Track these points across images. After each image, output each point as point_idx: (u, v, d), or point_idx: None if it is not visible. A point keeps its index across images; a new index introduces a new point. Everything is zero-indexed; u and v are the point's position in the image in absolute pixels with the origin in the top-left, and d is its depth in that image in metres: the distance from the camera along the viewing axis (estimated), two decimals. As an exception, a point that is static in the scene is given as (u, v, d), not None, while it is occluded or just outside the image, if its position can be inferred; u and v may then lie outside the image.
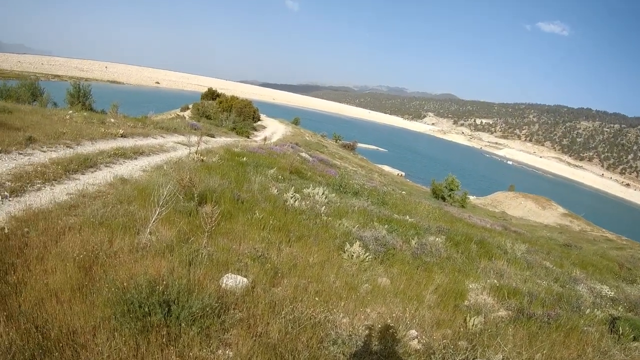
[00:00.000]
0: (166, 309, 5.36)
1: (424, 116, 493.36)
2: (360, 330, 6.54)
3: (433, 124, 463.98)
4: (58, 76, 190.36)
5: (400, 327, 6.96)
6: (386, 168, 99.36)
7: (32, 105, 28.65)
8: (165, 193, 8.33)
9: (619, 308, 11.86)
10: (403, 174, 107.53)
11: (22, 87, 33.82)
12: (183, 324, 5.29)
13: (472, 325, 7.75)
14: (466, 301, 9.40)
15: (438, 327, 7.46)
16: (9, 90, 32.30)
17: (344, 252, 9.82)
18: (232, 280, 6.78)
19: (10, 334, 4.74)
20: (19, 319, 5.03)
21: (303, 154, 35.25)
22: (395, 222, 15.23)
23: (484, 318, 8.36)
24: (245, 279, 6.94)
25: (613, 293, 13.80)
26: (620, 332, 9.21)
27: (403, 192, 38.79)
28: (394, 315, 7.39)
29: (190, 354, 4.94)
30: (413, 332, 6.95)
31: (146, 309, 5.23)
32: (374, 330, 6.69)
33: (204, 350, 5.09)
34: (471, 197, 78.62)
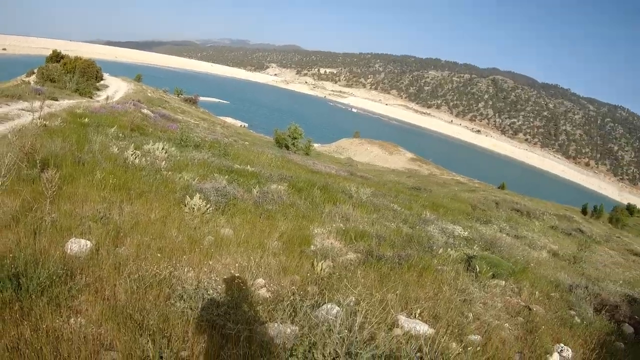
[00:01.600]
0: (16, 282, 5.25)
1: (267, 67, 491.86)
2: (206, 283, 6.56)
3: (276, 74, 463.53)
4: None
5: (247, 276, 7.06)
6: (229, 120, 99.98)
7: None
8: (6, 162, 8.10)
9: (475, 247, 12.43)
10: (246, 125, 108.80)
11: None
12: (33, 296, 5.18)
13: (320, 269, 7.95)
14: (312, 246, 9.62)
15: (285, 274, 7.61)
16: None
17: (185, 206, 9.82)
18: (76, 245, 6.71)
19: None
20: None
21: (145, 111, 35.14)
22: (236, 173, 15.48)
23: (332, 262, 8.60)
24: (88, 242, 6.88)
25: (467, 233, 14.40)
26: (477, 270, 9.67)
27: (246, 142, 38.87)
28: (239, 265, 7.49)
29: (44, 326, 4.81)
30: (260, 281, 7.10)
31: (-6, 286, 5.09)
32: (220, 282, 6.77)
33: (57, 321, 4.97)
34: (316, 145, 79.74)
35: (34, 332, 4.69)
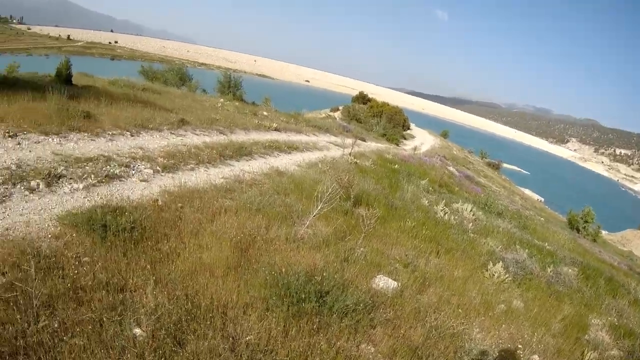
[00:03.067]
0: (321, 300, 5.79)
1: (567, 141, 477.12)
2: (491, 347, 6.86)
3: (575, 150, 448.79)
4: (204, 64, 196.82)
5: (526, 350, 7.25)
6: (527, 191, 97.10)
7: (180, 89, 29.94)
8: (328, 190, 8.78)
9: None
10: (542, 199, 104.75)
11: (169, 71, 35.18)
12: (335, 315, 5.70)
13: (588, 359, 7.92)
14: (587, 335, 9.47)
15: (558, 356, 7.66)
16: (155, 73, 34.05)
17: (487, 270, 10.16)
18: (383, 282, 7.26)
19: (159, 297, 5.16)
20: (169, 285, 5.53)
21: (450, 168, 35.61)
22: (535, 247, 15.36)
23: (599, 354, 8.49)
24: (395, 282, 7.40)
25: None
26: None
27: (542, 218, 37.97)
28: (521, 338, 7.68)
29: (338, 343, 5.31)
30: (536, 357, 7.23)
31: (302, 296, 5.65)
32: (504, 349, 7.01)
33: (349, 342, 5.47)
34: (603, 232, 75.76)
35: (327, 345, 5.19)
